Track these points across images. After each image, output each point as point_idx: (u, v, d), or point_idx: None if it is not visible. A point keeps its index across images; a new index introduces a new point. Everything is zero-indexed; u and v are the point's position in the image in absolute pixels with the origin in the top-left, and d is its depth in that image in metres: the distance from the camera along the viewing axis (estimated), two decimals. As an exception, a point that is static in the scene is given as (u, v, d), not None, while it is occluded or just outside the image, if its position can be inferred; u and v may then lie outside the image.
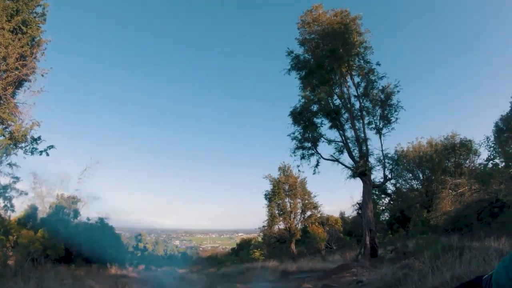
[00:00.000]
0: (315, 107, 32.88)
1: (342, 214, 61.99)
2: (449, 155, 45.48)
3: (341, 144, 32.27)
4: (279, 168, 51.12)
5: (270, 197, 49.95)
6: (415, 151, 46.07)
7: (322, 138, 32.90)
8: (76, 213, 37.35)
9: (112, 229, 40.47)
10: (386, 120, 31.61)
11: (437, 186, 40.53)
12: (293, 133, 32.80)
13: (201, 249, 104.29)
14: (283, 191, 49.76)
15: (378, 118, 32.03)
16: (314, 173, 32.82)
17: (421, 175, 47.64)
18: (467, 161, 45.15)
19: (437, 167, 44.40)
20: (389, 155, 31.95)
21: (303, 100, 33.05)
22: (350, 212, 51.43)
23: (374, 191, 45.99)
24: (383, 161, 31.29)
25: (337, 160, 32.00)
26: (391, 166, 32.11)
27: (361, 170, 29.14)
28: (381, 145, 31.53)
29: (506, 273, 0.98)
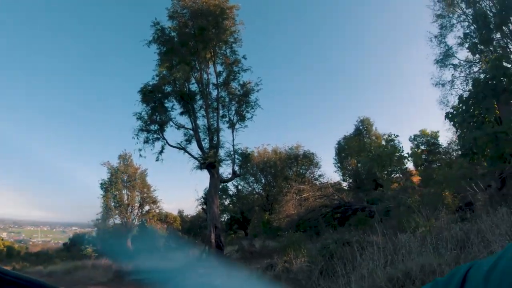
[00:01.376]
0: (168, 89, 28.40)
1: (181, 212, 58.85)
2: (291, 164, 46.41)
3: (191, 132, 28.35)
4: (120, 156, 44.28)
5: (107, 187, 42.81)
6: (260, 157, 44.77)
7: (171, 122, 28.69)
8: None
9: None
10: (241, 116, 29.24)
11: (279, 191, 40.88)
12: (140, 113, 27.67)
13: (31, 243, 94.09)
14: (121, 181, 43.22)
15: (234, 112, 29.50)
16: (157, 160, 28.33)
17: (263, 180, 47.43)
18: (308, 172, 45.54)
19: (279, 173, 45.09)
20: (239, 151, 28.76)
21: (157, 78, 28.10)
22: (194, 207, 47.94)
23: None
24: (233, 156, 28.66)
25: (183, 149, 28.20)
26: (240, 163, 28.55)
27: (210, 161, 25.55)
28: (233, 139, 28.87)
29: None
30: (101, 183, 43.48)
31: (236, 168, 28.63)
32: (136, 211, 44.51)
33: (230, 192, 49.23)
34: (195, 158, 27.30)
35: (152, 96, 27.75)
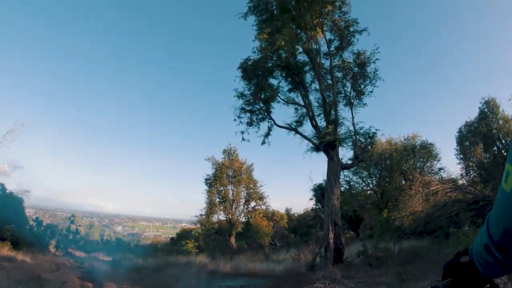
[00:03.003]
0: (271, 63, 22.59)
1: (288, 210, 53.00)
2: (408, 157, 38.30)
3: (302, 112, 22.69)
4: (224, 151, 40.69)
5: (211, 182, 39.05)
6: (373, 148, 36.70)
7: (279, 98, 22.90)
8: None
9: (19, 202, 29.76)
10: (358, 91, 22.48)
11: (395, 187, 35.12)
12: (241, 92, 22.09)
13: (143, 236, 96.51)
14: (226, 176, 39.03)
15: (350, 87, 22.79)
16: (263, 143, 22.85)
17: (378, 174, 39.51)
18: (426, 165, 37.73)
19: (396, 166, 37.03)
20: (361, 131, 21.76)
21: (258, 53, 22.70)
22: (305, 203, 42.51)
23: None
24: (354, 137, 21.50)
25: (294, 129, 22.25)
26: (363, 145, 21.83)
27: (329, 140, 18.97)
28: (352, 117, 21.91)
29: (480, 242, 1.05)
30: (205, 179, 40.10)
31: (359, 152, 21.64)
32: (241, 207, 40.03)
33: (341, 188, 41.49)
34: (309, 140, 21.14)
35: (254, 72, 22.36)
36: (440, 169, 37.34)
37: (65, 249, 39.40)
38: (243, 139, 22.59)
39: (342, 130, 21.06)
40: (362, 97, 22.32)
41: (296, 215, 53.34)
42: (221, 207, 38.98)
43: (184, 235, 58.41)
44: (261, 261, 25.39)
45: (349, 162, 21.90)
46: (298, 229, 48.38)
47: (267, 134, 22.46)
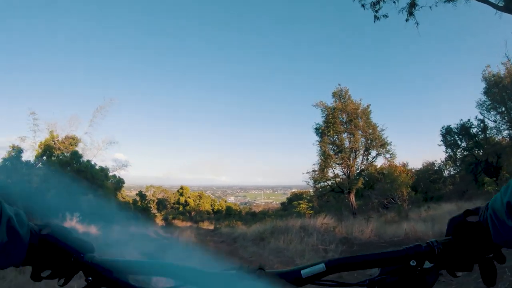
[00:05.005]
0: None
1: (405, 165, 44.06)
2: None
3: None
4: (334, 94, 32.25)
5: (323, 130, 31.37)
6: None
7: None
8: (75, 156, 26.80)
9: (100, 171, 26.69)
10: None
11: None
12: None
13: (254, 204, 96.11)
14: (340, 122, 30.98)
15: None
16: (407, 20, 14.31)
17: None
18: None
19: None
20: None
21: None
22: (426, 153, 33.26)
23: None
24: None
25: None
26: None
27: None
28: None
29: (501, 199, 0.86)
30: (315, 128, 32.83)
31: None
32: (361, 158, 31.73)
33: (474, 130, 31.92)
34: (488, 3, 11.59)
35: None
36: None
37: (167, 220, 38.60)
38: (376, 17, 13.62)
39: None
40: None
41: (413, 170, 44.40)
42: (336, 158, 31.24)
43: (294, 199, 54.93)
44: (396, 221, 16.46)
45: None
46: (417, 185, 39.69)
47: (411, 4, 13.23)
